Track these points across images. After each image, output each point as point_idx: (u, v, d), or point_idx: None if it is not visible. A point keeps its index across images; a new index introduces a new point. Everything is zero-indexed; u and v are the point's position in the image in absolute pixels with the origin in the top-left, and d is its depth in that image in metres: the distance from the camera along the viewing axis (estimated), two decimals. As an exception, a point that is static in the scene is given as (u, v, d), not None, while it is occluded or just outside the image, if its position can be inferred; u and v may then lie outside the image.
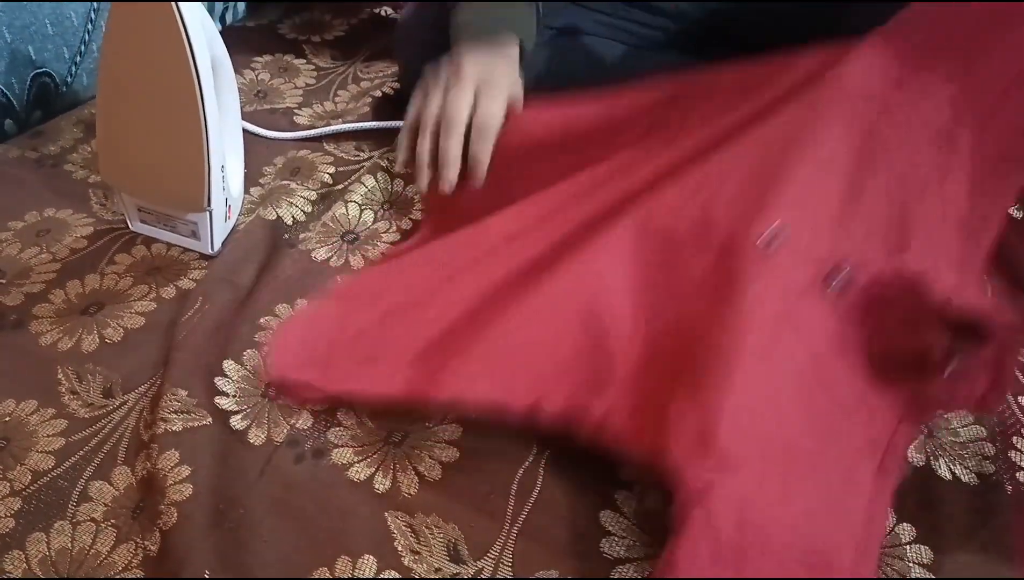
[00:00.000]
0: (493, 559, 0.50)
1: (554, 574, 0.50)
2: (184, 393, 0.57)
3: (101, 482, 0.54)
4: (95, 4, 0.93)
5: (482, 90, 0.66)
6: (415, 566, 0.50)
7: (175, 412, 0.56)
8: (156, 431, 0.55)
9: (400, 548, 0.51)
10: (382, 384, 0.57)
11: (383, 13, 1.20)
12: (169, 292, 0.68)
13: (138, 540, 0.51)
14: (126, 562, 0.49)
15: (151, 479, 0.53)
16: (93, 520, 0.52)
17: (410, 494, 0.54)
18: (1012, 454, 0.58)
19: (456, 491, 0.54)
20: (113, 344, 0.63)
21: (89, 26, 0.93)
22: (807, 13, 0.85)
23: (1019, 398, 0.62)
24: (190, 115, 0.63)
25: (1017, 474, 0.56)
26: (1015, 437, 0.59)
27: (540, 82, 0.88)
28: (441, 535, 0.51)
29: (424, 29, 0.88)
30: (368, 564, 0.50)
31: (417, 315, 0.60)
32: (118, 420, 0.58)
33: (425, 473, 0.55)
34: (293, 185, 0.80)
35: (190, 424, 0.56)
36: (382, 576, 0.49)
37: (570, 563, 0.50)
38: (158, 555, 0.50)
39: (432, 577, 0.49)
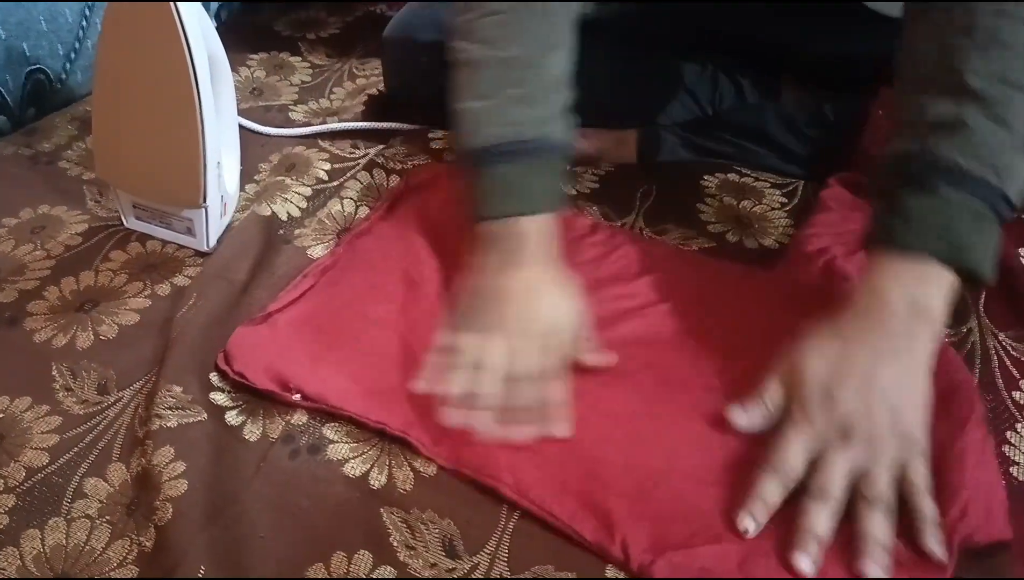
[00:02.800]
0: (489, 555, 0.50)
1: (549, 570, 0.50)
2: (179, 389, 0.57)
3: (96, 479, 0.54)
4: (90, 2, 0.93)
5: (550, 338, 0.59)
6: (411, 561, 0.50)
7: (170, 408, 0.56)
8: (151, 427, 0.55)
9: (396, 544, 0.51)
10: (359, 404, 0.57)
11: (378, 11, 1.20)
12: (164, 289, 0.68)
13: (133, 536, 0.51)
14: (121, 558, 0.49)
15: (146, 475, 0.53)
16: (88, 517, 0.51)
17: (405, 490, 0.54)
18: (1006, 449, 0.58)
19: (452, 486, 0.54)
20: (108, 341, 0.63)
21: (84, 23, 0.93)
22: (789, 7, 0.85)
23: (1012, 393, 0.62)
24: (187, 112, 0.62)
25: (1011, 469, 0.57)
26: (1008, 432, 0.59)
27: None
28: (437, 531, 0.51)
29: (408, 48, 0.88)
30: (364, 560, 0.49)
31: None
32: (113, 417, 0.58)
33: (421, 469, 0.55)
34: (288, 181, 0.80)
35: (185, 420, 0.56)
36: (378, 572, 0.49)
37: (566, 559, 0.50)
38: (153, 551, 0.49)
39: (428, 573, 0.49)
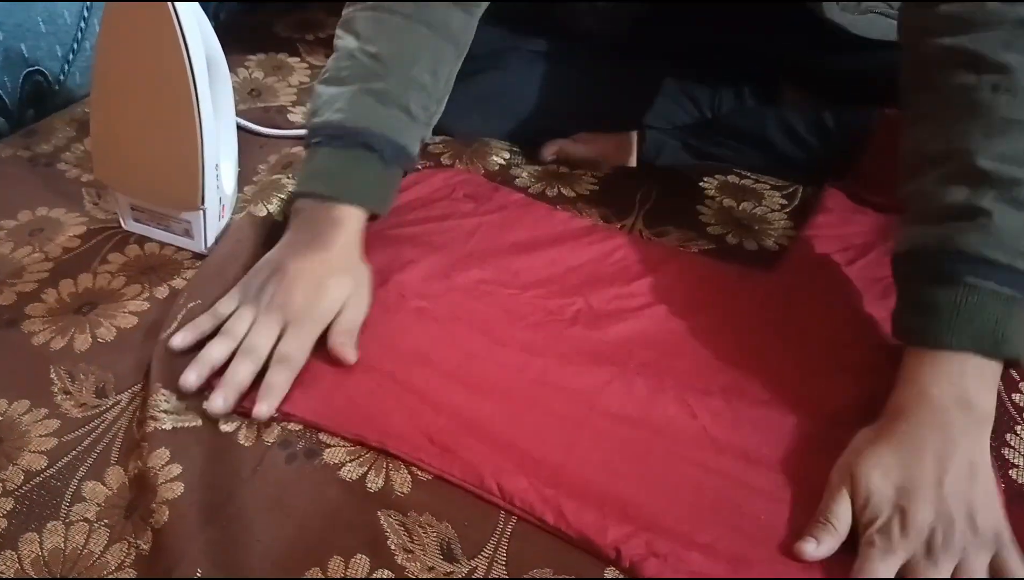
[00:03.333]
0: (487, 558, 0.50)
1: (548, 573, 0.50)
2: (173, 396, 0.57)
3: (94, 482, 0.54)
4: (88, 3, 0.93)
5: (296, 322, 0.59)
6: (408, 564, 0.50)
7: (165, 411, 0.56)
8: (147, 430, 0.55)
9: (393, 547, 0.50)
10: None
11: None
12: (162, 292, 0.68)
13: (131, 539, 0.50)
14: (119, 561, 0.49)
15: (142, 477, 0.53)
16: (86, 520, 0.51)
17: (403, 493, 0.54)
18: (1006, 451, 0.58)
19: (450, 489, 0.54)
20: (106, 344, 0.63)
21: (82, 24, 0.93)
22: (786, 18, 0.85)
23: (1013, 395, 0.62)
24: (185, 114, 0.62)
25: (1010, 471, 0.56)
26: (1008, 434, 0.59)
27: (524, 106, 0.87)
28: (435, 534, 0.51)
29: None
30: (361, 563, 0.49)
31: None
32: (111, 420, 0.58)
33: (418, 472, 0.55)
34: (284, 180, 0.79)
35: (180, 424, 0.56)
36: (375, 575, 0.49)
37: (564, 562, 0.50)
38: (151, 554, 0.49)
39: (425, 576, 0.49)
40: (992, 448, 0.57)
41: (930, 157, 0.56)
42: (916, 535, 0.49)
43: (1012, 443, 0.58)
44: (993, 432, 0.58)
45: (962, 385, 0.53)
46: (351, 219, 0.66)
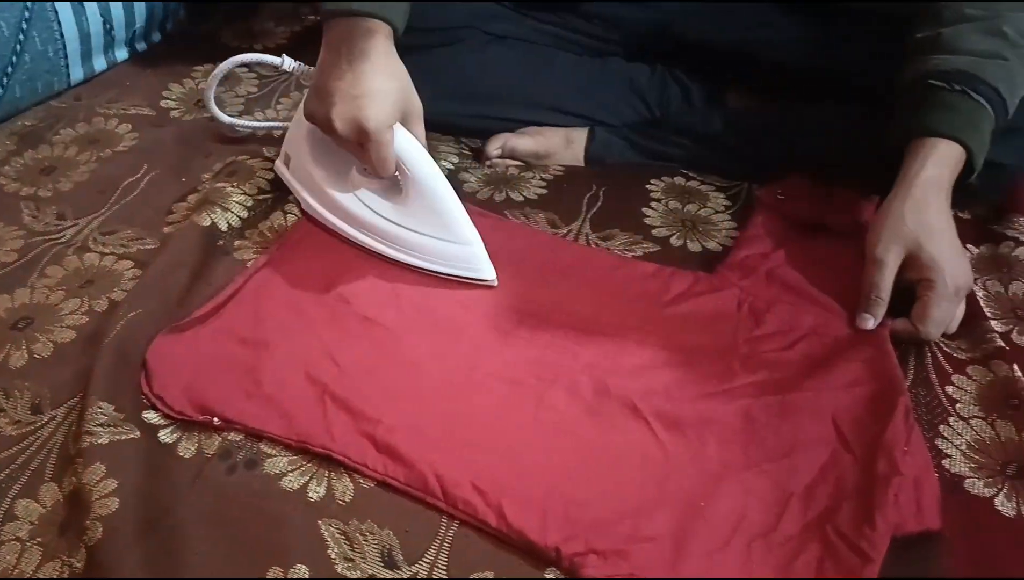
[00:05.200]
0: (428, 563, 0.50)
1: (489, 575, 0.50)
2: (111, 407, 0.57)
3: (28, 500, 0.53)
4: (26, 14, 0.91)
5: (372, 139, 0.65)
6: (349, 573, 0.49)
7: (101, 425, 0.55)
8: (82, 445, 0.54)
9: (334, 556, 0.50)
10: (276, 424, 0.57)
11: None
12: (102, 304, 0.67)
13: (64, 557, 0.50)
14: (51, 581, 0.49)
15: (77, 494, 0.52)
16: (18, 539, 0.50)
17: (345, 501, 0.53)
18: (939, 442, 0.59)
19: (392, 497, 0.54)
20: (42, 359, 0.62)
21: (20, 36, 0.91)
22: (741, 15, 0.87)
23: (946, 388, 0.63)
24: None
25: (943, 461, 0.58)
26: (941, 425, 0.60)
27: (474, 88, 0.88)
28: (376, 541, 0.51)
29: None
30: (300, 573, 0.49)
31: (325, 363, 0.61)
32: (46, 436, 0.57)
33: (360, 480, 0.55)
34: (229, 189, 0.78)
35: (117, 437, 0.55)
36: (314, 584, 0.49)
37: (505, 564, 0.50)
38: (84, 571, 0.49)
39: (365, 584, 0.49)
40: (926, 439, 0.59)
41: (968, 15, 0.70)
42: (952, 283, 0.64)
43: (945, 434, 0.59)
44: (927, 423, 0.60)
45: (951, 169, 0.68)
46: (387, 33, 0.68)
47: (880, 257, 0.66)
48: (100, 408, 0.56)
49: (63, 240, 0.74)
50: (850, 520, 0.51)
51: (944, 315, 0.65)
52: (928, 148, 0.68)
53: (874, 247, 0.67)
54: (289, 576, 0.49)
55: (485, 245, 0.70)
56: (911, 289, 0.66)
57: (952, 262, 0.65)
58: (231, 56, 0.83)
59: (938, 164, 0.67)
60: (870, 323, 0.66)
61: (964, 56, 0.69)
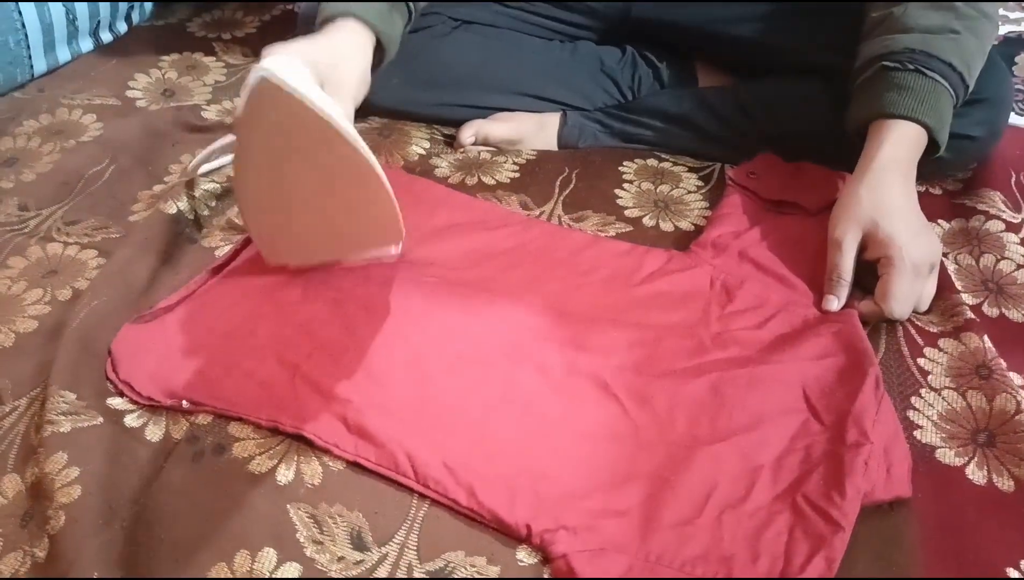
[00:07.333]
0: (398, 544, 0.50)
1: (460, 555, 0.49)
2: (73, 395, 0.56)
3: (-12, 492, 0.52)
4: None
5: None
6: (317, 556, 0.49)
7: (63, 414, 0.54)
8: (43, 434, 0.53)
9: (302, 539, 0.50)
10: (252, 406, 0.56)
11: (295, 10, 1.18)
12: (65, 294, 0.66)
13: (26, 548, 0.49)
14: (13, 571, 0.48)
15: (39, 484, 0.51)
16: (-22, 530, 0.49)
17: (313, 484, 0.53)
18: (911, 414, 0.59)
19: (361, 479, 0.53)
20: (3, 350, 0.61)
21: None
22: (721, 9, 0.87)
23: (918, 360, 0.63)
24: (357, 164, 0.57)
25: (915, 432, 0.58)
26: (913, 397, 0.60)
27: (443, 75, 0.87)
28: (345, 524, 0.50)
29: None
30: (268, 557, 0.48)
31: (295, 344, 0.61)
32: (8, 427, 0.56)
33: (330, 462, 0.54)
34: (197, 177, 0.77)
35: (79, 425, 0.54)
36: (282, 569, 0.48)
37: (476, 543, 0.50)
38: (46, 561, 0.48)
39: (334, 567, 0.48)
40: (897, 410, 0.59)
41: None
42: (910, 259, 0.64)
43: (917, 406, 0.60)
44: (898, 395, 0.60)
45: (910, 148, 0.68)
46: (353, 32, 0.67)
47: (838, 238, 0.67)
48: (62, 396, 0.55)
49: (26, 230, 0.73)
50: (820, 488, 0.51)
51: (907, 292, 0.64)
52: (886, 130, 0.68)
53: (833, 229, 0.67)
54: (256, 560, 0.48)
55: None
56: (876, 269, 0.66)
57: (911, 239, 0.64)
58: (197, 46, 0.80)
59: (896, 144, 0.67)
60: (834, 305, 0.65)
61: (915, 34, 0.69)
